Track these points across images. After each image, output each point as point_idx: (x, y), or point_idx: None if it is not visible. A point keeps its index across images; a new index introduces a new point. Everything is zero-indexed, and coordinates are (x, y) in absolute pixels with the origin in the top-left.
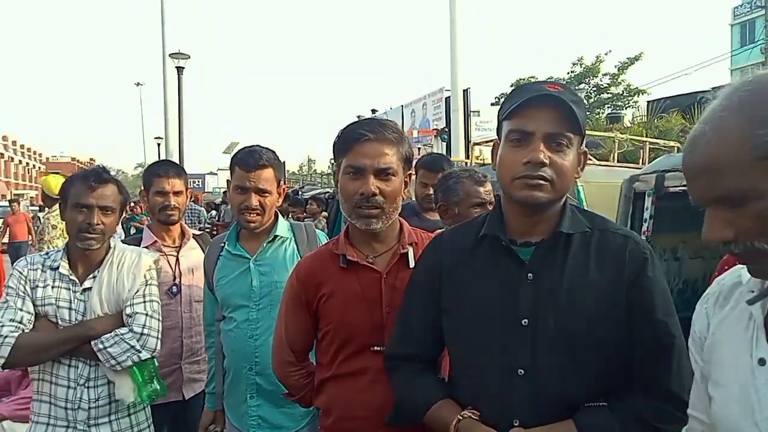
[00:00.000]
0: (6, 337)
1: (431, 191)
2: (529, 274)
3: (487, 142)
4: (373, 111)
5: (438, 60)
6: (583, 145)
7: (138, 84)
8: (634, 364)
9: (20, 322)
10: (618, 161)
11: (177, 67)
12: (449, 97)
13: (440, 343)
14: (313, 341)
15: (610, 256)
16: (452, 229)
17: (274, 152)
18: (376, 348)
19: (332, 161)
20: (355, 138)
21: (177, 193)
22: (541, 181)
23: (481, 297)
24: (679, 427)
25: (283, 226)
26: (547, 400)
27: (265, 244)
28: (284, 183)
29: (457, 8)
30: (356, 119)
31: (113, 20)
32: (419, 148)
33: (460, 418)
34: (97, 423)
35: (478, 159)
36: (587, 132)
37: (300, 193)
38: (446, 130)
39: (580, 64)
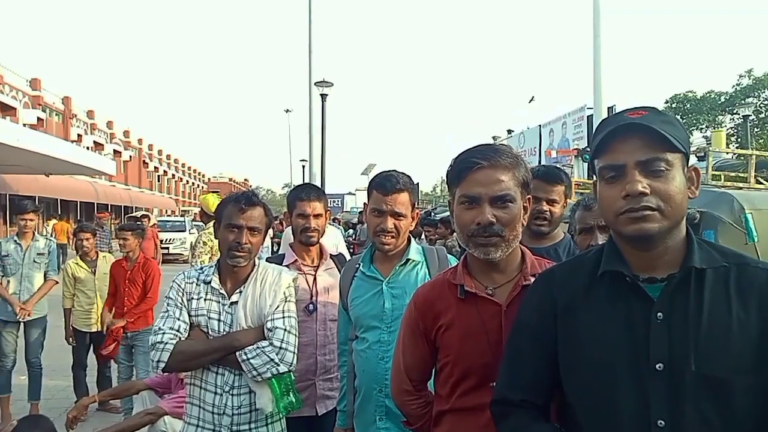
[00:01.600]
0: (166, 343)
1: (545, 207)
2: (659, 314)
3: None
4: (509, 131)
5: (579, 78)
6: (689, 161)
7: (287, 111)
8: None
9: (178, 331)
10: None
11: (321, 95)
12: (591, 115)
13: (553, 388)
14: (431, 371)
15: (755, 294)
16: (563, 264)
17: (409, 177)
18: (494, 384)
19: None
20: (467, 167)
21: (317, 216)
22: (647, 212)
23: (604, 338)
24: None
25: (414, 250)
26: None
27: (397, 267)
28: (417, 206)
29: (601, 19)
30: (492, 140)
31: (269, 52)
32: None
33: None
34: (239, 429)
35: None
36: (759, 153)
37: (432, 213)
38: (588, 149)
39: (749, 76)
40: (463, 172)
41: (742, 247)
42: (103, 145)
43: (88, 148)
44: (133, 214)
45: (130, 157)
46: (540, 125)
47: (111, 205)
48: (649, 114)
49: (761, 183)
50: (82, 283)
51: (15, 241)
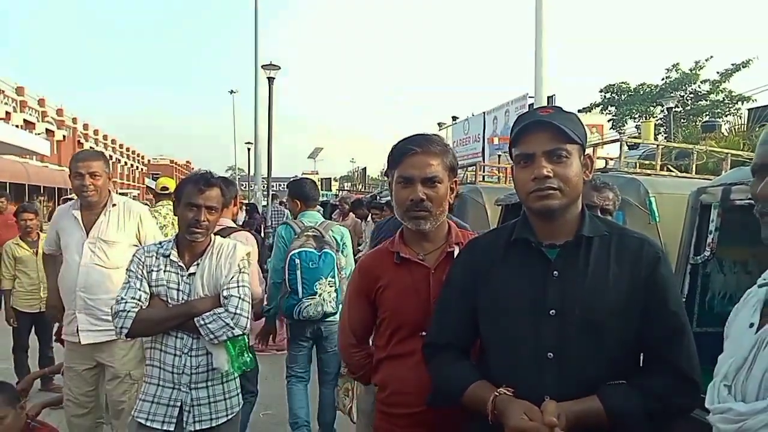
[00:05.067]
0: (128, 311)
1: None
2: (555, 272)
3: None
4: (454, 118)
5: (522, 66)
6: (586, 151)
7: (232, 92)
8: (648, 348)
9: (139, 300)
10: (712, 173)
11: (268, 78)
12: (533, 104)
13: (473, 333)
14: (372, 327)
15: (628, 256)
16: (485, 234)
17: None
18: (423, 333)
19: None
20: (404, 152)
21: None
22: (550, 191)
23: (513, 291)
24: (689, 401)
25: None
26: (573, 380)
27: None
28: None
29: (544, 12)
30: (438, 126)
31: (214, 32)
32: (499, 156)
33: (497, 394)
34: (197, 387)
35: None
36: (675, 144)
37: (378, 197)
38: None
39: (676, 70)
40: (400, 156)
41: (646, 227)
42: (34, 123)
43: (17, 126)
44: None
45: (64, 137)
46: (484, 112)
47: (44, 186)
48: (555, 112)
49: (671, 170)
50: (23, 264)
51: None
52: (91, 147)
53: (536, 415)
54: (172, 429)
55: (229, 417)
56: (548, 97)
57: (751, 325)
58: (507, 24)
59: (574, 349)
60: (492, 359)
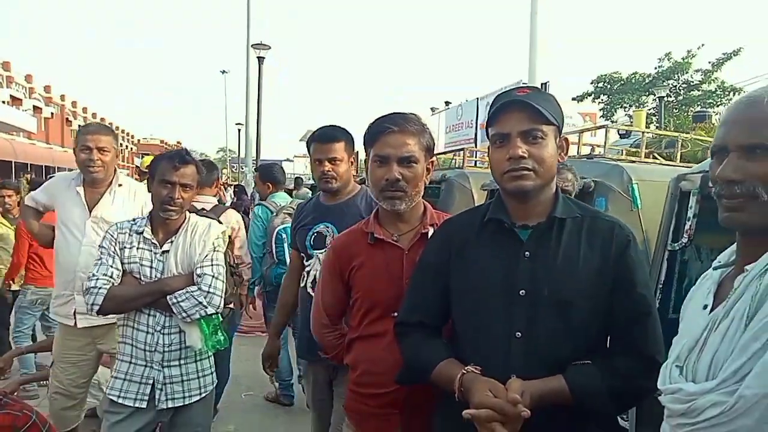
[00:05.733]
0: (100, 288)
1: (327, 166)
2: (526, 252)
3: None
4: (447, 103)
5: (517, 53)
6: (562, 133)
7: (223, 72)
8: (615, 329)
9: (111, 277)
10: (700, 162)
11: (258, 57)
12: None
13: (445, 313)
14: (345, 307)
15: (599, 238)
16: (460, 214)
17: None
18: (396, 314)
19: None
20: (380, 131)
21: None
22: (524, 172)
23: (485, 271)
24: (652, 383)
25: None
26: (540, 359)
27: None
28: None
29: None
30: (430, 111)
31: (203, 11)
32: None
33: (464, 372)
34: (170, 365)
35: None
36: (661, 132)
37: (366, 182)
38: None
39: (668, 59)
40: (376, 135)
41: (628, 213)
42: (21, 100)
43: (3, 102)
44: None
45: (52, 114)
46: (477, 98)
47: (31, 164)
48: (532, 93)
49: (656, 158)
50: (3, 241)
51: None
52: (79, 125)
53: (501, 392)
54: (144, 407)
55: (203, 395)
56: (542, 84)
57: (705, 306)
58: (506, 21)
59: (542, 329)
60: (462, 338)
